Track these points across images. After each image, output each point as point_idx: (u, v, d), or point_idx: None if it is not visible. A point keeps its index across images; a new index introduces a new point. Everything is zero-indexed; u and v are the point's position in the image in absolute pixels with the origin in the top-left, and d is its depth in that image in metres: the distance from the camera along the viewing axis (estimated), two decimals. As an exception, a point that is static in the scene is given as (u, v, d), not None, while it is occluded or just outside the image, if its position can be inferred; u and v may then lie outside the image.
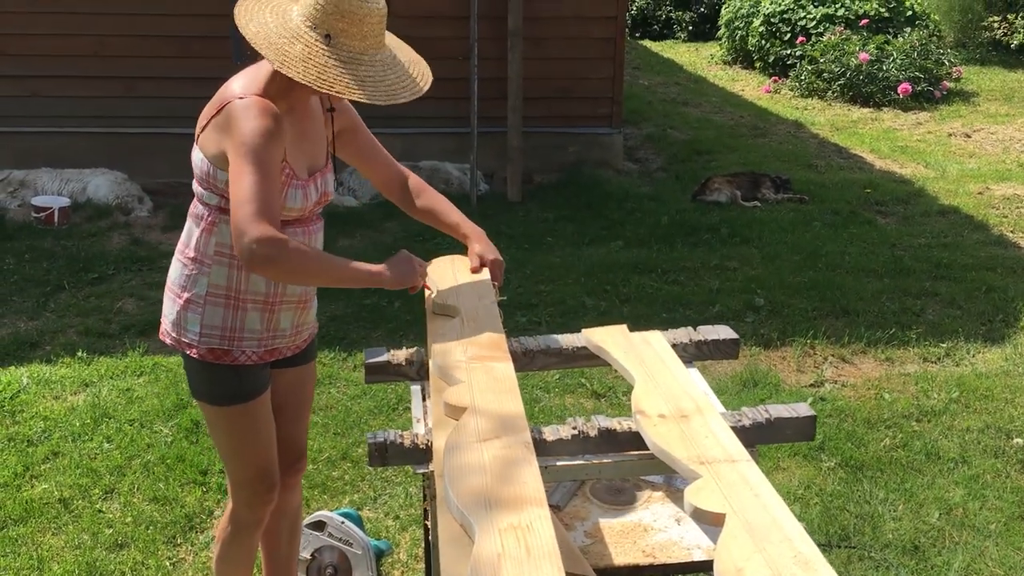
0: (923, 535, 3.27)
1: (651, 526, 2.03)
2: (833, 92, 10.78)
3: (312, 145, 2.26)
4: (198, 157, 2.20)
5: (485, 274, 2.36)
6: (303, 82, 2.02)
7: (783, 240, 6.19)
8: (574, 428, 1.85)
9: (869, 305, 5.20)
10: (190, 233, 2.27)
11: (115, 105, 7.11)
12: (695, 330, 2.29)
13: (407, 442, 1.84)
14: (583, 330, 2.23)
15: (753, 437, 1.85)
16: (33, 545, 3.21)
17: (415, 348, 2.22)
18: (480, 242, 2.41)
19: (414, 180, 2.51)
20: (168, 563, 3.14)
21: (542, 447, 1.81)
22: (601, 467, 1.84)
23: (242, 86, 2.14)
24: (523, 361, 2.20)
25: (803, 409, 1.88)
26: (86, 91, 7.07)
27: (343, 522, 2.98)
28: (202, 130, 2.18)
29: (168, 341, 2.33)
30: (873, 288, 5.43)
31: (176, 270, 2.31)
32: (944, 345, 4.73)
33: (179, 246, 2.32)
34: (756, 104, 10.73)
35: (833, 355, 4.66)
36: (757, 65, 12.63)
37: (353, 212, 6.66)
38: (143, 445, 3.80)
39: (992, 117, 9.84)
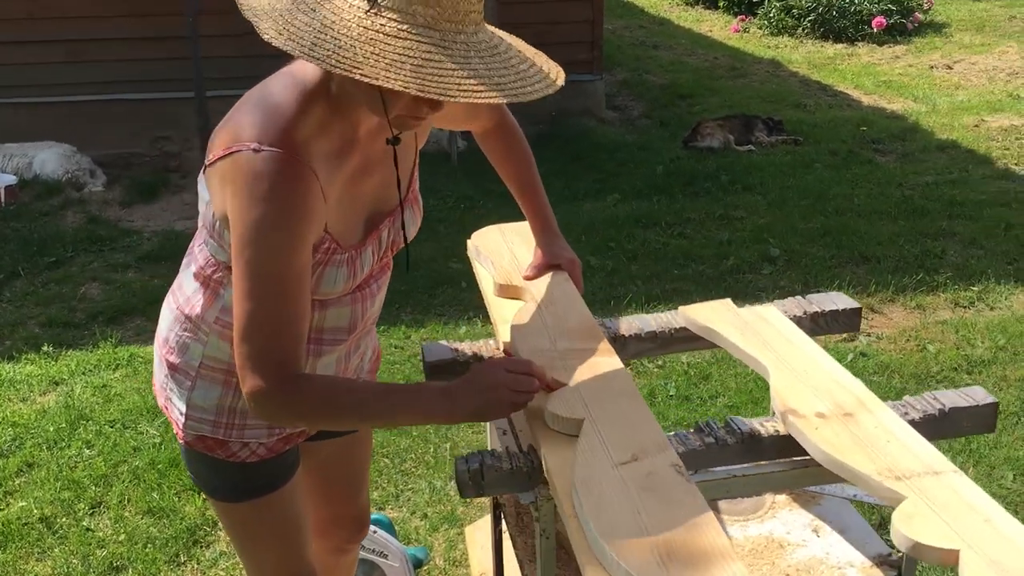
0: (1001, 500, 3.01)
1: (786, 540, 1.71)
2: (804, 29, 10.47)
3: (378, 180, 1.56)
4: (204, 196, 1.51)
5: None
6: (325, 67, 1.25)
7: (786, 184, 5.88)
8: (709, 435, 1.50)
9: (888, 250, 4.92)
10: (188, 283, 1.62)
11: (57, 72, 6.52)
12: (805, 299, 1.95)
13: (504, 465, 1.47)
14: (680, 308, 1.88)
15: (925, 433, 1.52)
16: (16, 575, 2.81)
17: (483, 340, 1.85)
18: (552, 241, 1.91)
19: (494, 134, 1.90)
20: (175, 587, 2.76)
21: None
22: (747, 481, 1.50)
23: (260, 122, 1.38)
24: (614, 348, 1.84)
25: (980, 395, 1.56)
26: (22, 58, 6.47)
27: (375, 531, 2.62)
28: (210, 163, 1.44)
29: (160, 402, 1.72)
30: (889, 231, 5.15)
31: (166, 319, 1.67)
32: (975, 288, 4.47)
33: (174, 287, 1.67)
34: (727, 44, 10.38)
35: (862, 305, 4.37)
36: (721, 4, 12.27)
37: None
38: (128, 449, 3.39)
39: (968, 47, 9.62)
